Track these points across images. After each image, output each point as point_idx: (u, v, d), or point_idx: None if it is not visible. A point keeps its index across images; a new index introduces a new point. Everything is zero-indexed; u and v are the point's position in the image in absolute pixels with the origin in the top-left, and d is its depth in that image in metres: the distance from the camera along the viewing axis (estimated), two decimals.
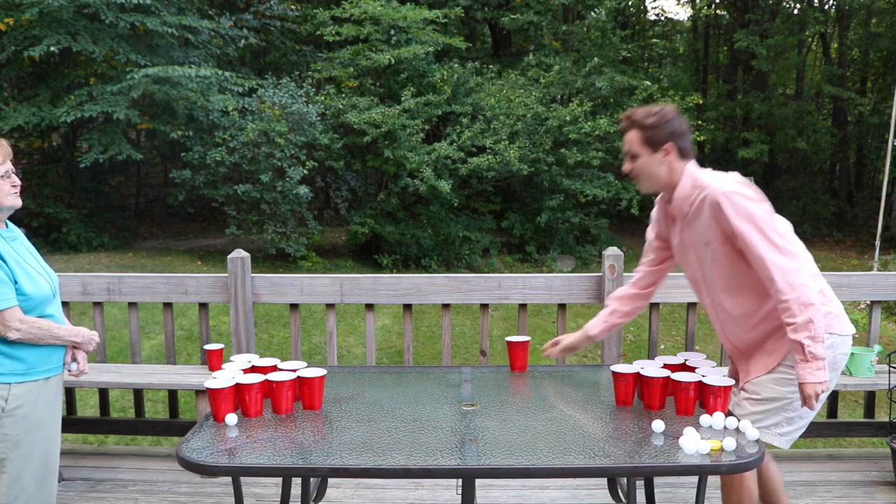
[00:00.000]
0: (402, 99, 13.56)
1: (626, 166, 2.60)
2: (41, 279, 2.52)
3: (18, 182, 2.54)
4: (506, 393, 2.71)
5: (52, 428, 2.58)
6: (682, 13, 34.49)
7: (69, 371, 2.60)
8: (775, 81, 20.90)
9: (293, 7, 16.41)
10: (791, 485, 3.52)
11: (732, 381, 2.46)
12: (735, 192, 2.40)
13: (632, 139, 2.55)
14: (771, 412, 2.49)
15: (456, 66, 14.84)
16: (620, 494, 2.91)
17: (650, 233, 2.84)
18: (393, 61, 13.55)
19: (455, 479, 2.49)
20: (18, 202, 2.54)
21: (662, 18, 27.20)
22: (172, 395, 4.24)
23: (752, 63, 19.04)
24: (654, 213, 2.81)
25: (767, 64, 18.54)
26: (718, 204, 2.39)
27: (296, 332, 3.98)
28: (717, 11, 23.60)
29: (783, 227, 2.45)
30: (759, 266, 2.38)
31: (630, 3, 23.46)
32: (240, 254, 3.89)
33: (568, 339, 2.98)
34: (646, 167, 2.55)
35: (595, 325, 2.94)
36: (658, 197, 2.76)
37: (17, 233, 2.61)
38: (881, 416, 4.14)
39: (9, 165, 2.50)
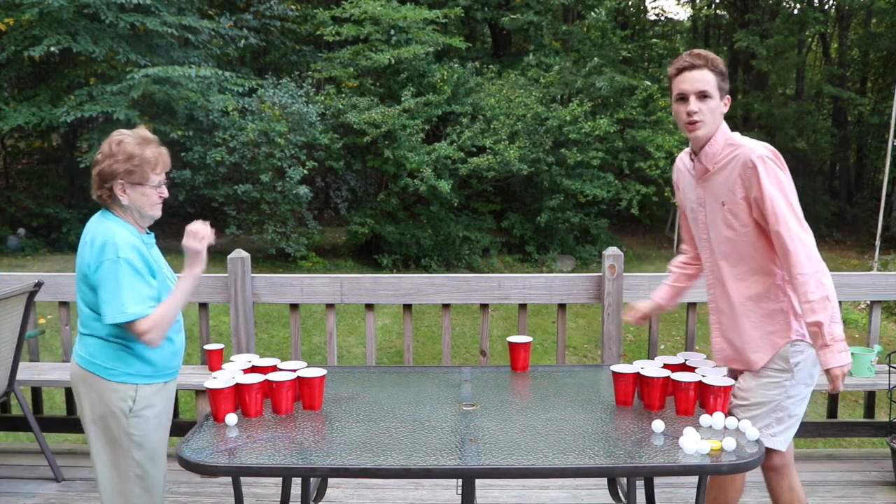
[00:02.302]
0: (402, 99, 13.56)
1: (694, 105, 2.45)
2: (172, 285, 2.52)
3: (166, 194, 2.51)
4: (506, 393, 2.71)
5: (167, 432, 2.58)
6: (682, 13, 34.48)
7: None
8: (775, 81, 20.89)
9: (293, 7, 16.40)
10: None
11: (733, 382, 2.46)
12: (770, 157, 2.38)
13: (707, 79, 2.45)
14: (760, 416, 2.48)
15: (456, 66, 14.83)
16: (620, 494, 2.91)
17: (679, 203, 2.79)
18: (393, 61, 13.54)
19: (455, 479, 2.49)
20: (159, 213, 2.51)
21: (662, 18, 27.17)
22: None
23: (752, 63, 19.02)
24: (673, 177, 2.76)
25: (767, 64, 18.53)
26: (753, 165, 2.37)
27: (296, 332, 3.98)
28: (717, 11, 23.59)
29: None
30: (780, 236, 2.34)
31: (630, 3, 23.44)
32: (240, 254, 3.89)
33: (640, 305, 3.00)
34: (713, 111, 2.46)
35: (661, 294, 2.96)
36: (676, 159, 2.74)
37: (153, 239, 2.59)
38: (881, 416, 4.14)
39: (163, 177, 2.48)
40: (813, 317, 2.30)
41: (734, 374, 2.68)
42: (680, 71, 2.49)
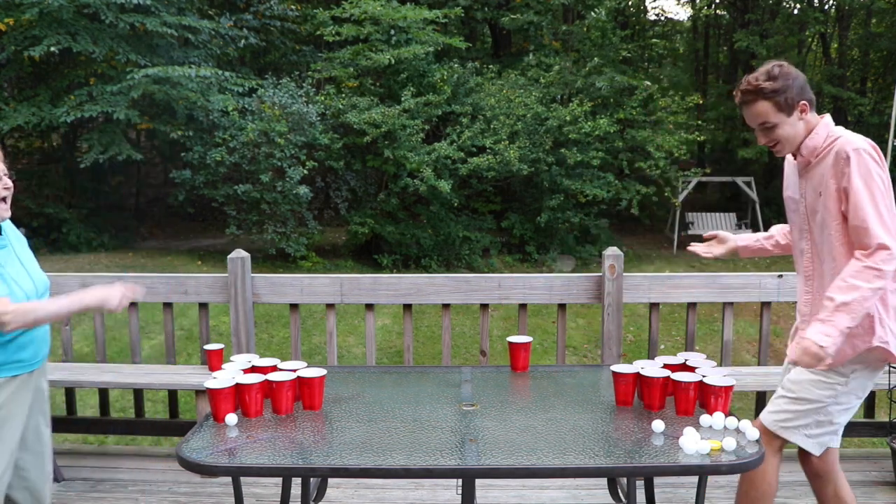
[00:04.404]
0: (402, 99, 13.56)
1: (763, 139, 2.46)
2: (18, 289, 2.40)
3: (10, 185, 2.41)
4: (506, 393, 2.71)
5: (13, 432, 2.43)
6: (682, 13, 34.50)
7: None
8: None
9: (293, 7, 16.41)
10: (791, 485, 3.51)
11: (733, 382, 2.46)
12: (866, 149, 2.34)
13: (762, 111, 2.41)
14: (802, 413, 2.45)
15: (456, 66, 14.83)
16: (620, 494, 2.91)
17: (785, 194, 2.73)
18: (393, 61, 13.54)
19: (455, 479, 2.49)
20: (6, 213, 2.41)
21: (662, 18, 27.21)
22: (172, 395, 4.23)
23: (752, 63, 19.00)
24: (785, 170, 2.70)
25: None
26: (847, 156, 2.33)
27: (296, 332, 3.98)
28: (717, 11, 23.61)
29: None
30: (857, 231, 2.31)
31: (630, 3, 23.45)
32: (240, 254, 3.89)
33: (720, 243, 2.91)
34: (786, 133, 2.43)
35: (745, 239, 2.89)
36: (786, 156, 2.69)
37: (7, 240, 2.48)
38: (881, 416, 4.14)
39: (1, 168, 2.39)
40: (834, 293, 2.30)
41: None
42: (739, 106, 2.48)
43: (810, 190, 2.49)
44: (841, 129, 2.46)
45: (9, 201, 2.43)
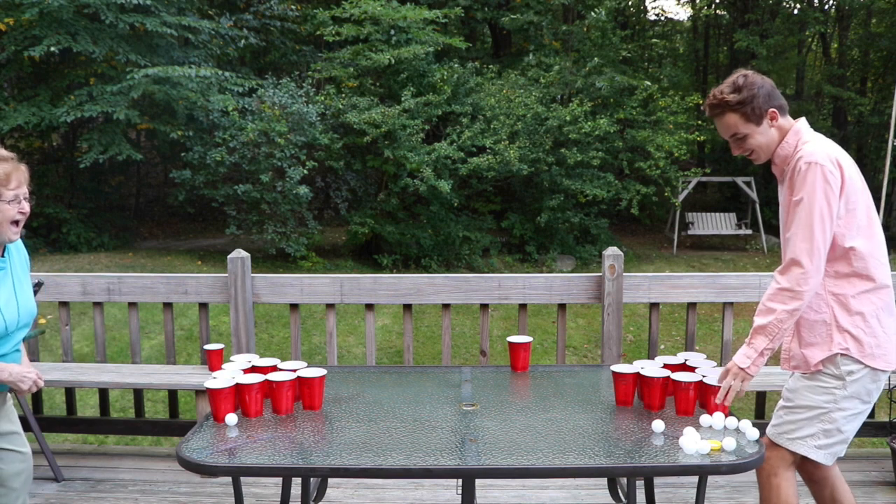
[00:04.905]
0: (402, 99, 13.56)
1: (736, 150, 2.49)
2: None
3: (27, 210, 2.40)
4: (506, 393, 2.71)
5: None
6: (682, 13, 34.50)
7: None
8: (775, 81, 20.80)
9: (293, 7, 16.40)
10: None
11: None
12: (820, 163, 2.30)
13: (732, 123, 2.42)
14: (805, 422, 2.42)
15: (456, 66, 14.83)
16: (620, 494, 2.91)
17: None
18: (393, 61, 13.54)
19: (455, 479, 2.49)
20: (16, 236, 2.40)
21: (662, 18, 27.21)
22: (172, 395, 4.24)
23: (752, 63, 19.01)
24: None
25: (767, 64, 18.54)
26: (800, 169, 2.33)
27: (296, 332, 3.98)
28: (717, 11, 23.59)
29: (864, 227, 2.35)
30: (787, 242, 2.33)
31: (630, 3, 23.45)
32: (240, 254, 3.89)
33: None
34: (758, 142, 2.44)
35: None
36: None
37: (9, 262, 2.47)
38: (881, 416, 4.14)
39: (22, 192, 2.38)
40: (755, 316, 2.38)
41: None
42: (711, 119, 2.51)
43: (785, 202, 2.50)
44: (811, 136, 2.43)
45: (21, 224, 2.42)
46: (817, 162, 2.30)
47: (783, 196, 2.50)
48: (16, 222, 2.38)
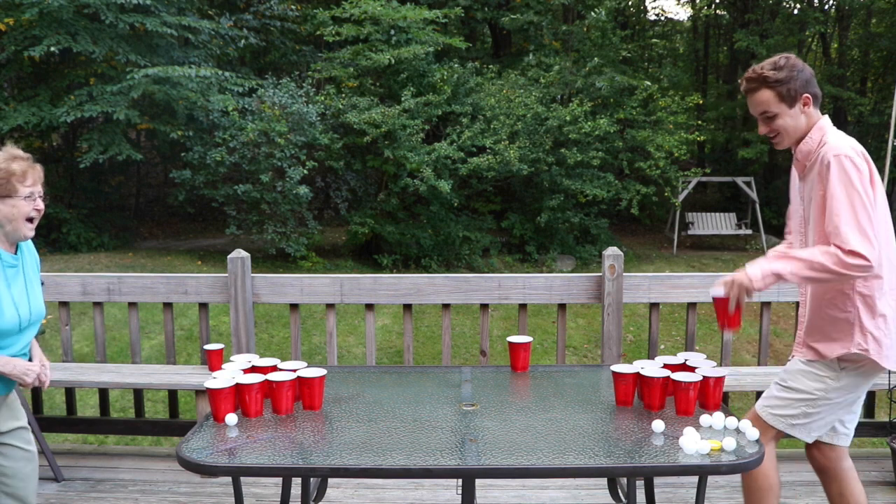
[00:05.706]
0: (402, 99, 13.56)
1: (763, 129, 2.48)
2: (12, 313, 2.39)
3: (42, 207, 2.44)
4: (506, 393, 2.71)
5: None
6: (682, 13, 34.51)
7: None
8: None
9: (293, 7, 16.41)
10: (791, 485, 3.52)
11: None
12: (848, 156, 2.31)
13: (766, 99, 2.42)
14: (792, 403, 2.48)
15: (456, 66, 14.83)
16: (620, 494, 2.91)
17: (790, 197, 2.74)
18: (393, 61, 13.54)
19: (455, 479, 2.49)
20: (31, 232, 2.43)
21: (662, 18, 27.22)
22: (172, 395, 4.24)
23: (751, 63, 19.02)
24: (791, 174, 2.69)
25: None
26: (828, 163, 2.32)
27: (296, 332, 3.98)
28: (717, 11, 23.60)
29: (882, 225, 2.35)
30: (830, 237, 2.30)
31: (630, 3, 23.45)
32: (240, 254, 3.89)
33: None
34: (786, 124, 2.43)
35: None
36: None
37: (21, 261, 2.48)
38: (881, 416, 4.14)
39: (37, 190, 2.42)
40: (793, 251, 2.38)
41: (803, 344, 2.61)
42: (744, 94, 2.49)
43: (805, 197, 2.50)
44: (835, 133, 2.43)
45: (36, 221, 2.45)
46: (846, 154, 2.32)
47: (804, 192, 2.50)
48: (31, 219, 2.43)
